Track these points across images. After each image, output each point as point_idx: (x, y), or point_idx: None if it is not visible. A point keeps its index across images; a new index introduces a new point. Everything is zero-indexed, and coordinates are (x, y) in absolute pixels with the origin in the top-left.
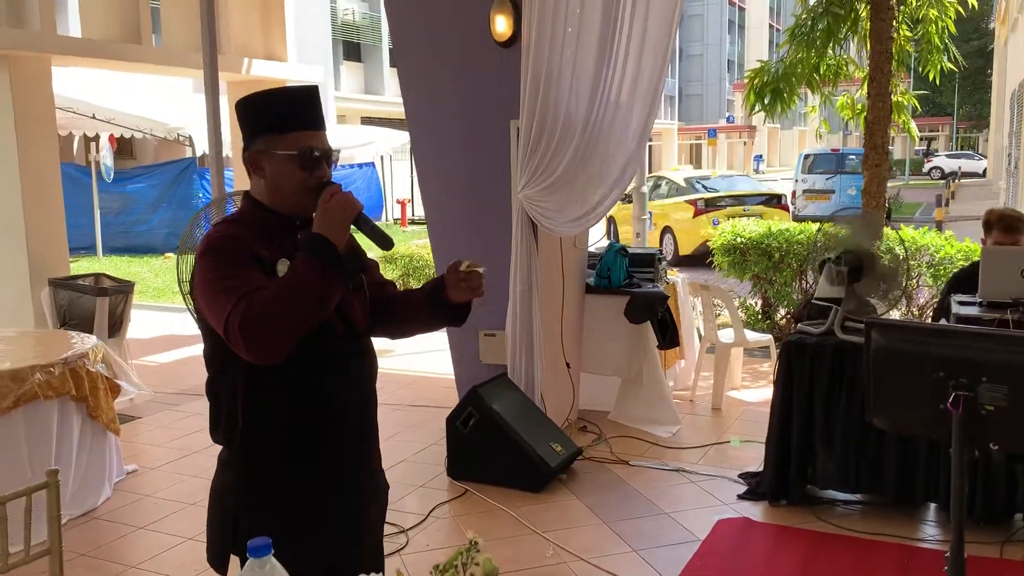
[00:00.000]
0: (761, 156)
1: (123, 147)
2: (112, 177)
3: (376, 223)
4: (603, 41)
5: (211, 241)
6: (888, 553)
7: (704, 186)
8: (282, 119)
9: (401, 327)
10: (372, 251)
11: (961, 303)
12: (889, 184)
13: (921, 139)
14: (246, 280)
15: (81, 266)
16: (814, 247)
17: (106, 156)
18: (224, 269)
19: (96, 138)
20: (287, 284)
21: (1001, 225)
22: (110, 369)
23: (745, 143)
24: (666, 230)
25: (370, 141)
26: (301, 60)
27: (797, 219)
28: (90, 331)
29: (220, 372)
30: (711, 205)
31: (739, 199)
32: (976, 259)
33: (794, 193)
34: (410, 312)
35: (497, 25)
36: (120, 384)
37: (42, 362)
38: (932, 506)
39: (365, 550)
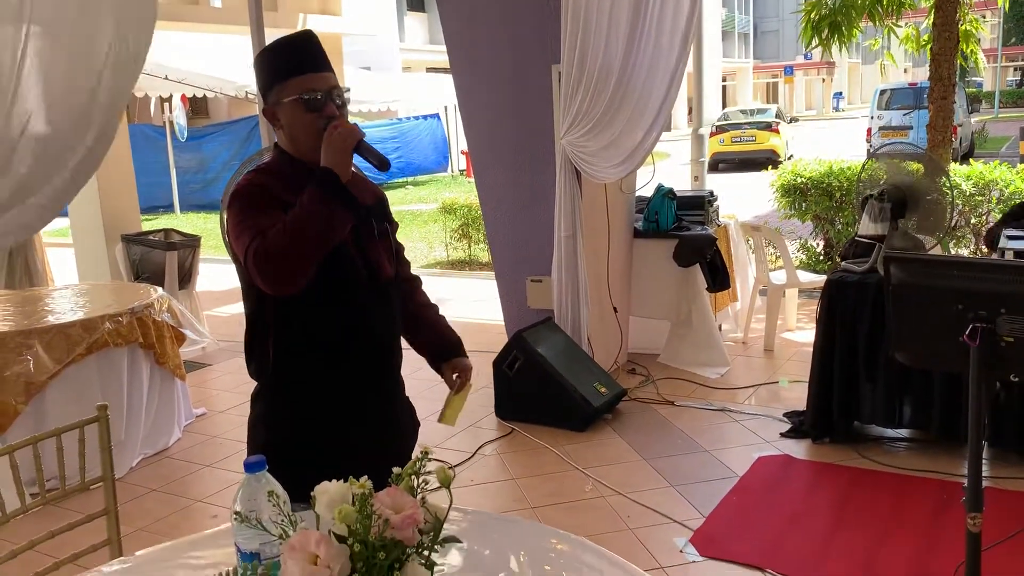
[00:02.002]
0: (841, 93)
1: (198, 106)
2: (186, 136)
3: (377, 150)
4: None
5: (239, 188)
6: (927, 488)
7: (728, 115)
8: (283, 68)
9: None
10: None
11: (1010, 236)
12: (975, 118)
13: (1015, 69)
14: (268, 220)
15: (160, 223)
16: (857, 183)
17: (178, 116)
18: (248, 211)
19: (170, 99)
20: (293, 215)
21: None
22: (175, 318)
23: (824, 80)
24: None
25: (432, 92)
26: (364, 12)
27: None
28: (161, 284)
29: (255, 310)
30: (721, 129)
31: (739, 125)
32: None
33: (869, 130)
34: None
35: None
36: (185, 332)
37: (111, 312)
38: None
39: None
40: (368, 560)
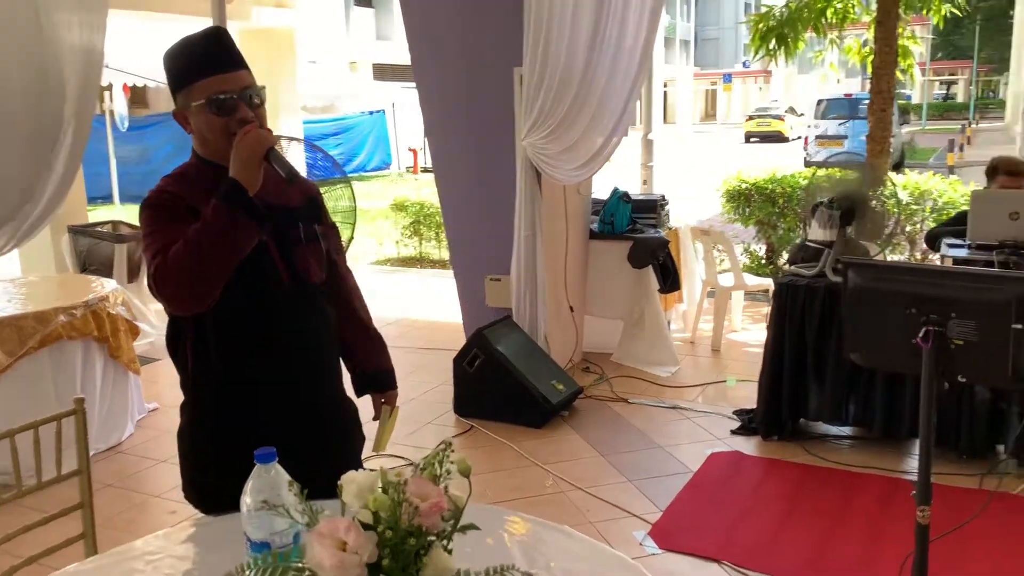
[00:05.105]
0: (777, 101)
1: (138, 96)
2: (127, 126)
3: (286, 159)
4: None
5: (148, 198)
6: (871, 484)
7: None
8: (187, 71)
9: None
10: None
11: (950, 245)
12: (905, 129)
13: (940, 83)
14: (171, 235)
15: (99, 214)
16: (807, 191)
17: (120, 105)
18: (154, 225)
19: (110, 87)
20: (195, 231)
21: (1006, 169)
22: (130, 312)
23: (761, 88)
24: None
25: (377, 89)
26: (314, 6)
27: (809, 165)
28: (109, 276)
29: (173, 318)
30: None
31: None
32: None
33: (806, 139)
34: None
35: None
36: (140, 326)
37: (65, 304)
38: (917, 441)
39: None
40: (397, 546)
